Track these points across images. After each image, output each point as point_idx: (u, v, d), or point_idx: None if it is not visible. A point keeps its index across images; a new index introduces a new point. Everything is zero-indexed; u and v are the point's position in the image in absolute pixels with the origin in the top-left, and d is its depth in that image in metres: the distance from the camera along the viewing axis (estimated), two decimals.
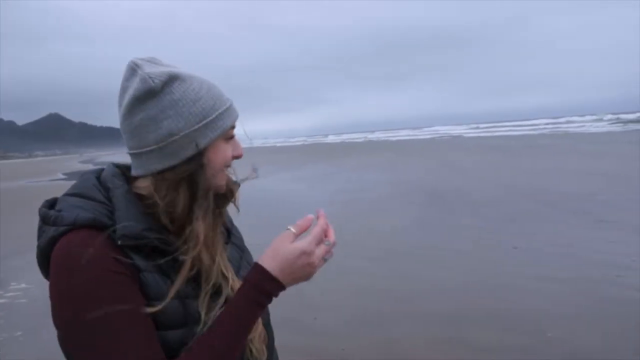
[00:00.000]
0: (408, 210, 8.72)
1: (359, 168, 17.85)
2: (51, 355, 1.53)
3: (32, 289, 5.42)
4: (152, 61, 0.84)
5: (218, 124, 0.83)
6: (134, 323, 0.75)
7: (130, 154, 0.85)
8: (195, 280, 0.85)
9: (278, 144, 72.22)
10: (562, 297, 4.10)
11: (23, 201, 13.71)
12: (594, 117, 55.65)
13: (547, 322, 3.63)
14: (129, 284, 0.77)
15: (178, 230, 0.84)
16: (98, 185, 0.85)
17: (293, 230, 0.86)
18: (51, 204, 0.84)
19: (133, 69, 0.82)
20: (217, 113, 0.83)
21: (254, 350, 0.92)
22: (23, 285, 5.62)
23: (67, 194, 0.84)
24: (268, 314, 1.03)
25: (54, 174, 31.86)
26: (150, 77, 0.79)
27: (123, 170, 0.89)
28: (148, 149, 0.81)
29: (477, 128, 66.20)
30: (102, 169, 0.90)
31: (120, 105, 0.83)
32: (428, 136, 56.06)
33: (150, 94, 0.79)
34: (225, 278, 0.89)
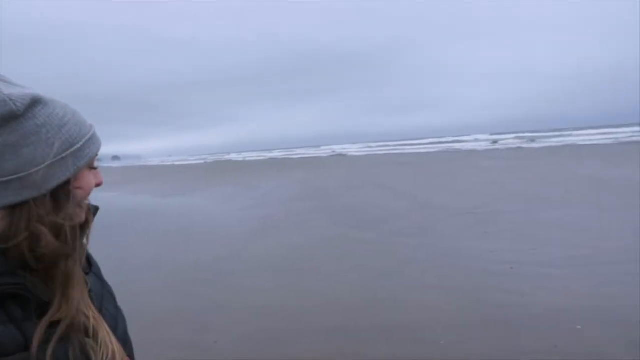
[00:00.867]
0: (306, 226, 8.84)
1: (257, 186, 17.75)
2: None
3: None
4: (5, 80, 0.74)
5: (85, 152, 0.78)
6: None
7: None
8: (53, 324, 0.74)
9: (177, 163, 69.44)
10: (451, 306, 4.37)
11: None
12: (477, 137, 61.63)
13: (439, 330, 3.84)
14: None
15: (46, 270, 0.74)
16: None
17: None
18: None
19: None
20: (83, 140, 0.78)
21: None
22: None
23: None
24: (124, 323, 0.98)
25: None
26: (12, 100, 0.70)
27: None
28: (4, 179, 0.71)
29: (369, 147, 69.02)
30: None
31: None
32: (325, 154, 57.75)
33: (10, 118, 0.70)
34: (87, 317, 0.80)
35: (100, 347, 0.79)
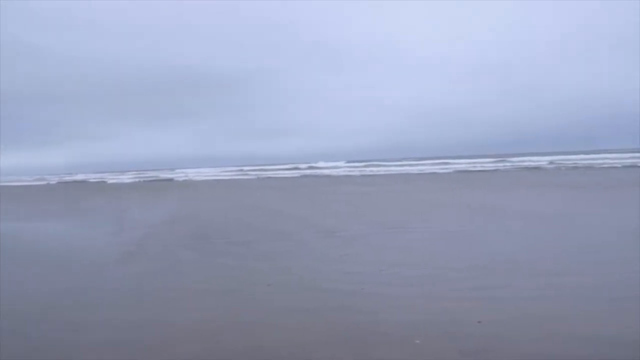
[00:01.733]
0: (164, 252, 8.39)
1: (102, 210, 16.34)
2: None
3: None
4: None
5: None
6: None
7: None
8: None
9: (12, 183, 60.41)
10: (310, 326, 4.46)
11: None
12: (335, 164, 65.17)
13: (300, 352, 3.88)
14: None
15: None
16: None
17: None
18: None
19: None
20: None
21: None
22: None
23: None
24: None
25: None
26: None
27: None
28: None
29: (227, 171, 68.18)
30: None
31: None
32: (179, 177, 55.91)
33: None
34: None
35: None
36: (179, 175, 61.36)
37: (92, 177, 69.14)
